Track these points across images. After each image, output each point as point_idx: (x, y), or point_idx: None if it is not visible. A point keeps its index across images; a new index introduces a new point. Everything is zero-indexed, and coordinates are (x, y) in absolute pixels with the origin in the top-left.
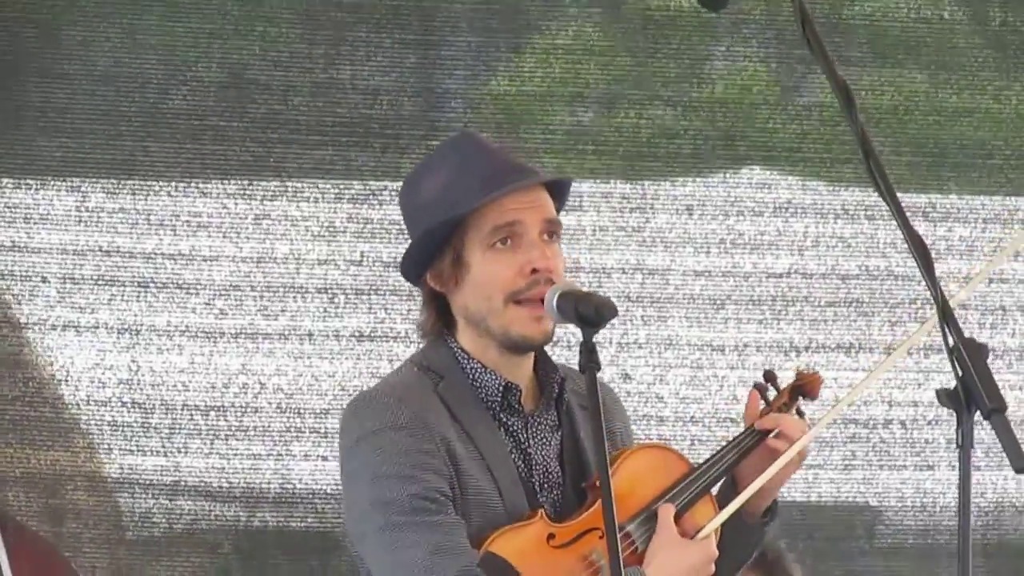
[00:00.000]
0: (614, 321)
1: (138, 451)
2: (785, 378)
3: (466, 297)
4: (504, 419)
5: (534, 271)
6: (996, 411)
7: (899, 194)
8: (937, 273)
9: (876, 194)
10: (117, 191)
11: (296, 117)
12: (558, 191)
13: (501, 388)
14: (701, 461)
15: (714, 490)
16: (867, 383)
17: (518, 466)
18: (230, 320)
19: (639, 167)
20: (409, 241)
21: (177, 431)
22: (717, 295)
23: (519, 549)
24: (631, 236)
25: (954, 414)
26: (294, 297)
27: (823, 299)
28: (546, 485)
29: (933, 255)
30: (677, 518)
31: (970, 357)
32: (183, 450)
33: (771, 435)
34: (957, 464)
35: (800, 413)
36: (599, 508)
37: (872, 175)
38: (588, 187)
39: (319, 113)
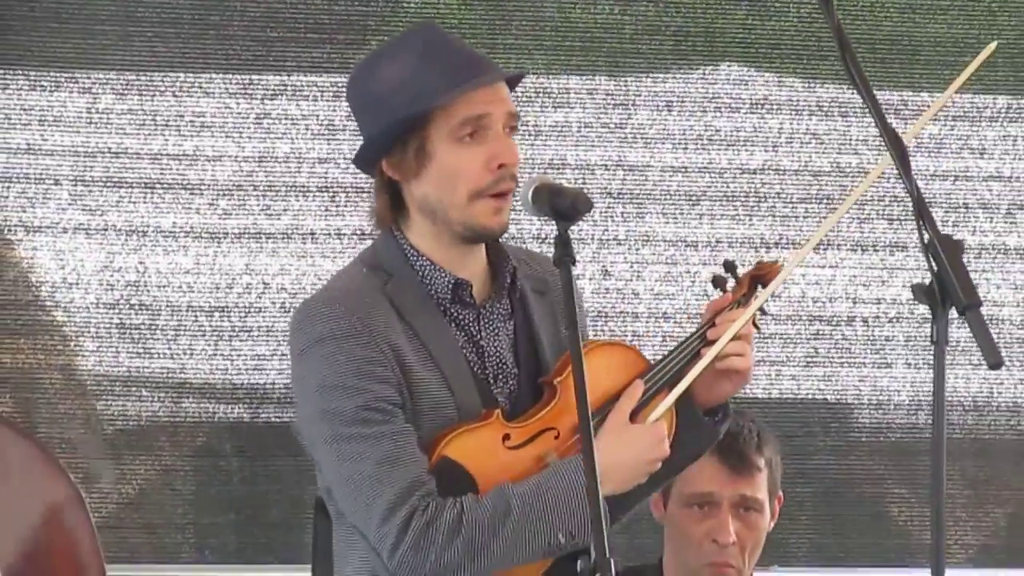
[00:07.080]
0: (595, 218)
1: (145, 353)
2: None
3: (426, 186)
4: (455, 313)
5: (501, 166)
6: (971, 307)
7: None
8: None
9: (851, 91)
10: (126, 91)
11: (295, 15)
12: (511, 85)
13: (451, 285)
14: (658, 359)
15: None
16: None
17: (471, 360)
18: (233, 220)
19: (622, 63)
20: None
21: (182, 332)
22: (693, 191)
23: (473, 451)
24: (613, 132)
25: (917, 312)
26: (296, 196)
27: (795, 195)
28: (500, 376)
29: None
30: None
31: (945, 253)
32: (188, 351)
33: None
34: (932, 361)
35: (761, 309)
36: (556, 407)
37: (848, 70)
38: (575, 83)
39: (317, 11)
